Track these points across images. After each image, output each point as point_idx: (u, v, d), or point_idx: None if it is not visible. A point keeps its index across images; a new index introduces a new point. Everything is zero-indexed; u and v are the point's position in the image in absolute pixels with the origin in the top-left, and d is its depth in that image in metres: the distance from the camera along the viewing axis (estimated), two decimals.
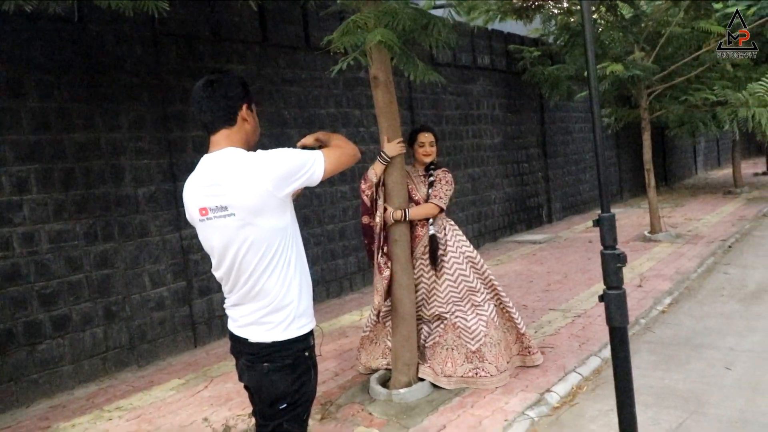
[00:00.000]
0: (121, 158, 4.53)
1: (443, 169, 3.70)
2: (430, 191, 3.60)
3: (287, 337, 1.84)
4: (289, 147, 1.93)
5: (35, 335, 4.03)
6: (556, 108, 10.57)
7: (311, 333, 1.93)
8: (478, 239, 8.53)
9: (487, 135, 8.84)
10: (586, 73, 7.20)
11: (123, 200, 4.53)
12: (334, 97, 6.37)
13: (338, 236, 6.34)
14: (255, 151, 1.87)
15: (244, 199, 1.76)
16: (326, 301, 6.05)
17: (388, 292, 3.52)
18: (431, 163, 3.70)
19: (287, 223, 1.86)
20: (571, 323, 4.70)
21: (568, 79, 8.84)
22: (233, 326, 1.94)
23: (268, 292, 1.84)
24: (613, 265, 2.12)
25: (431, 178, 3.64)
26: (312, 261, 5.96)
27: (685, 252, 7.05)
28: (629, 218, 10.21)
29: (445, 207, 3.60)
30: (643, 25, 7.25)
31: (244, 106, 1.89)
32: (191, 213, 1.90)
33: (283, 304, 1.85)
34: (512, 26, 9.19)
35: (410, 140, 3.69)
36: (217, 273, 1.94)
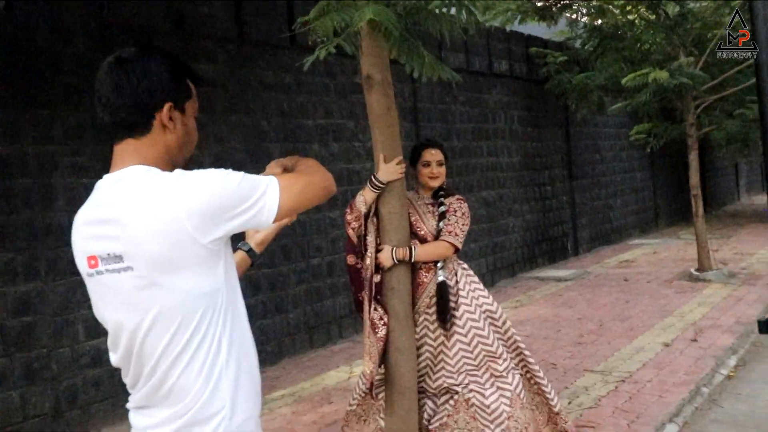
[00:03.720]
0: (53, 176, 4.04)
1: (457, 197, 3.15)
2: (441, 225, 3.05)
3: None
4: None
5: None
6: (584, 122, 10.15)
7: None
8: (493, 274, 7.97)
9: (504, 153, 8.41)
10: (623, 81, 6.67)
11: (54, 229, 4.01)
12: (323, 105, 5.90)
13: (326, 272, 5.78)
14: (181, 170, 1.34)
15: (146, 245, 1.24)
16: (309, 353, 5.44)
17: (384, 357, 2.96)
18: (440, 188, 3.16)
19: (218, 284, 1.32)
20: (615, 391, 4.10)
21: (599, 88, 8.40)
22: None
23: (184, 392, 1.30)
24: None
25: (442, 208, 3.10)
26: (294, 302, 5.41)
27: (744, 295, 6.46)
28: (669, 251, 9.62)
29: (461, 246, 3.05)
30: (689, 26, 6.77)
31: (167, 106, 1.33)
32: (79, 263, 1.37)
33: (206, 414, 1.30)
34: (534, 28, 8.79)
35: (413, 159, 3.16)
36: (113, 357, 1.40)
